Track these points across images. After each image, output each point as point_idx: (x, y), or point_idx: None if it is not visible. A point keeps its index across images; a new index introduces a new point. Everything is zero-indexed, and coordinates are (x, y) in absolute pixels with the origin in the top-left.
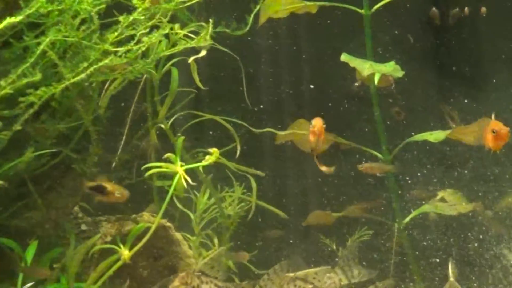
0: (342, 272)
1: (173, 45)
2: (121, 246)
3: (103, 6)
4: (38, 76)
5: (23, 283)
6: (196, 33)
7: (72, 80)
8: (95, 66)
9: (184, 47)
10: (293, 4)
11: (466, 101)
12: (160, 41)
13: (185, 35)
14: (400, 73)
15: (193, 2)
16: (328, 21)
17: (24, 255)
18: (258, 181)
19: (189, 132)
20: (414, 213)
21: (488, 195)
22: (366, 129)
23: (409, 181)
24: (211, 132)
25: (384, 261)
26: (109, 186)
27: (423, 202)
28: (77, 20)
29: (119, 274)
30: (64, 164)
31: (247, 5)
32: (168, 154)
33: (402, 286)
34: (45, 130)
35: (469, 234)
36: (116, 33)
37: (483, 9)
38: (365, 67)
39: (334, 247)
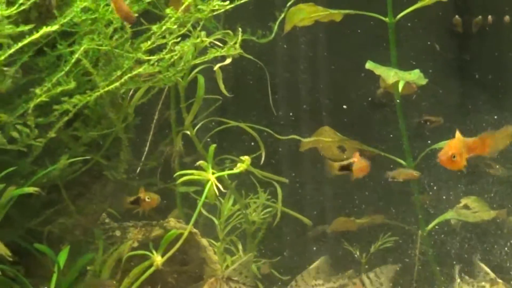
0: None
1: (201, 53)
2: (154, 252)
3: (136, 15)
4: (72, 85)
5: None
6: (222, 40)
7: (106, 89)
8: (129, 75)
9: (214, 55)
10: (318, 12)
11: (489, 108)
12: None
13: (211, 43)
14: (423, 81)
15: (221, 10)
16: (353, 29)
17: (57, 260)
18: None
19: (213, 138)
20: (437, 220)
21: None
22: (390, 136)
23: (434, 188)
24: (235, 138)
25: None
26: (142, 195)
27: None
28: (110, 29)
29: (147, 280)
30: (94, 170)
31: (272, 12)
32: (200, 162)
33: None
34: (78, 138)
35: (492, 240)
36: (149, 42)
37: (507, 18)
38: (390, 75)
39: (358, 253)
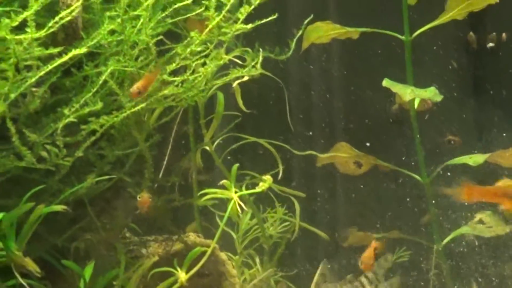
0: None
1: (221, 69)
2: (178, 269)
3: (161, 37)
4: (99, 105)
5: None
6: (241, 57)
7: (132, 110)
8: (154, 96)
9: (236, 76)
10: (335, 30)
11: (503, 124)
12: None
13: (231, 60)
14: (439, 98)
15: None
16: (369, 46)
17: (83, 276)
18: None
19: (231, 153)
20: (452, 235)
21: None
22: (405, 152)
23: (448, 203)
24: (252, 154)
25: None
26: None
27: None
28: (136, 51)
29: None
30: (116, 186)
31: (289, 30)
32: (224, 181)
33: None
34: (103, 156)
35: (506, 255)
36: (173, 64)
37: None
38: (406, 93)
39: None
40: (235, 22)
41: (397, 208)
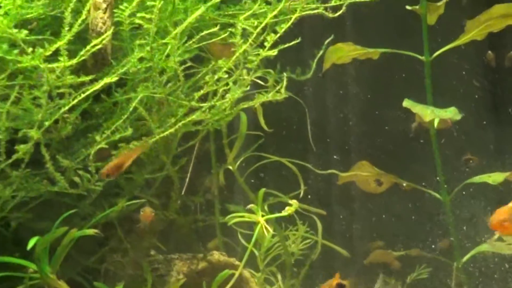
0: None
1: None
2: None
3: (188, 64)
4: (129, 131)
5: None
6: (263, 78)
7: (161, 135)
8: (183, 122)
9: (261, 101)
10: (356, 51)
11: None
12: None
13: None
14: (458, 116)
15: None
16: (389, 66)
17: None
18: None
19: (253, 172)
20: (472, 252)
21: None
22: (425, 170)
23: (468, 220)
24: (274, 172)
25: None
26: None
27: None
28: (164, 77)
29: None
30: (142, 207)
31: (310, 50)
32: (251, 205)
33: None
34: (132, 179)
35: None
36: (201, 91)
37: None
38: (427, 113)
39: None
40: (259, 46)
41: (417, 225)
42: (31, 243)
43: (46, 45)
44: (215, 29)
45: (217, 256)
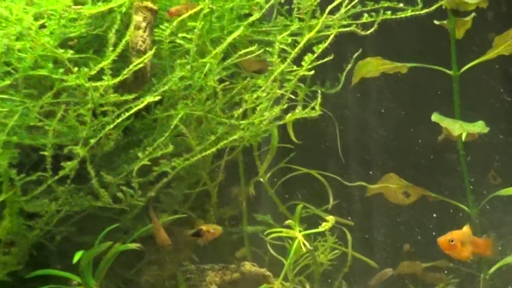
0: None
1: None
2: None
3: (227, 83)
4: (170, 148)
5: None
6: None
7: (203, 154)
8: (225, 142)
9: (296, 117)
10: (385, 65)
11: None
12: None
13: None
14: (486, 129)
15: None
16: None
17: None
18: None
19: (282, 183)
20: (499, 264)
21: None
22: (453, 182)
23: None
24: (303, 184)
25: None
26: (204, 227)
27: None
28: (203, 95)
29: None
30: (178, 219)
31: (339, 64)
32: (288, 221)
33: None
34: (172, 195)
35: None
36: (240, 110)
37: None
38: (455, 127)
39: None
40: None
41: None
42: (76, 257)
43: (88, 63)
44: (253, 48)
45: (248, 266)
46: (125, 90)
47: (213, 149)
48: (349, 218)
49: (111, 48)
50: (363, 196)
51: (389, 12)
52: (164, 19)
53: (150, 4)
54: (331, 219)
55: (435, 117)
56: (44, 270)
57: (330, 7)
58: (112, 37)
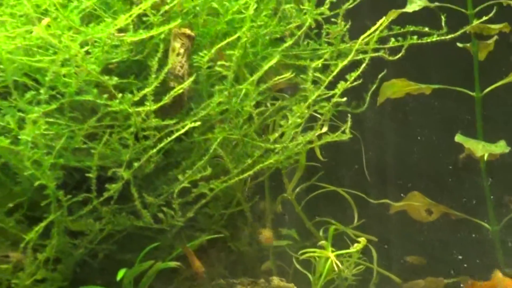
0: None
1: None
2: None
3: (263, 108)
4: (209, 171)
5: None
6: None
7: (241, 177)
8: (261, 165)
9: (327, 141)
10: (409, 86)
11: None
12: None
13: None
14: (507, 149)
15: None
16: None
17: None
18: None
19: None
20: None
21: None
22: (474, 200)
23: None
24: (328, 201)
25: None
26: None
27: None
28: (240, 119)
29: None
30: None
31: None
32: (322, 242)
33: None
34: (209, 214)
35: None
36: (276, 134)
37: None
38: (478, 148)
39: None
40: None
41: (467, 254)
42: (120, 274)
43: (128, 87)
44: (289, 74)
45: (276, 281)
46: (163, 114)
47: (250, 172)
48: (372, 234)
49: (154, 75)
50: (387, 213)
51: (415, 37)
52: (201, 45)
53: (188, 31)
54: (363, 240)
55: (458, 137)
56: (87, 287)
57: (364, 36)
58: (155, 65)
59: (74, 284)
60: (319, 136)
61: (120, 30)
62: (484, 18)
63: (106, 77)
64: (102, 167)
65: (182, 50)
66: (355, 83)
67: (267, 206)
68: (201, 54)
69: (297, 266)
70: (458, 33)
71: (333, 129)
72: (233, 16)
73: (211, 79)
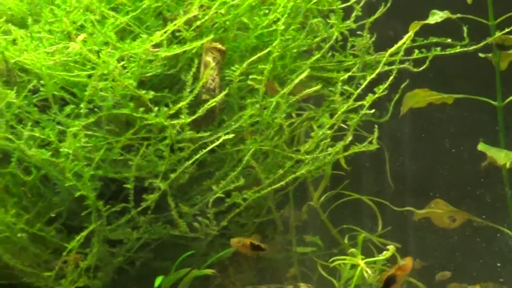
0: None
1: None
2: None
3: (293, 120)
4: (241, 181)
5: None
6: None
7: (272, 187)
8: (293, 175)
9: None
10: (432, 96)
11: None
12: None
13: None
14: None
15: None
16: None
17: None
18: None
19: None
20: None
21: None
22: (496, 207)
23: None
24: (352, 209)
25: None
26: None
27: None
28: (271, 131)
29: None
30: None
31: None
32: (352, 250)
33: None
34: (241, 224)
35: None
36: (306, 145)
37: None
38: (501, 156)
39: None
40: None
41: (489, 261)
42: (157, 282)
43: (163, 100)
44: (318, 87)
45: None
46: (196, 126)
47: (282, 182)
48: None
49: (188, 90)
50: (411, 221)
51: (438, 48)
52: (232, 59)
53: (219, 45)
54: (391, 248)
55: (481, 146)
56: None
57: (392, 50)
58: (189, 79)
59: None
60: (345, 146)
61: (155, 45)
62: (506, 30)
63: (143, 91)
64: (137, 177)
65: (213, 64)
66: (382, 94)
67: (291, 214)
68: (232, 68)
69: (322, 272)
70: (481, 44)
71: (356, 138)
72: (262, 30)
73: (241, 91)
